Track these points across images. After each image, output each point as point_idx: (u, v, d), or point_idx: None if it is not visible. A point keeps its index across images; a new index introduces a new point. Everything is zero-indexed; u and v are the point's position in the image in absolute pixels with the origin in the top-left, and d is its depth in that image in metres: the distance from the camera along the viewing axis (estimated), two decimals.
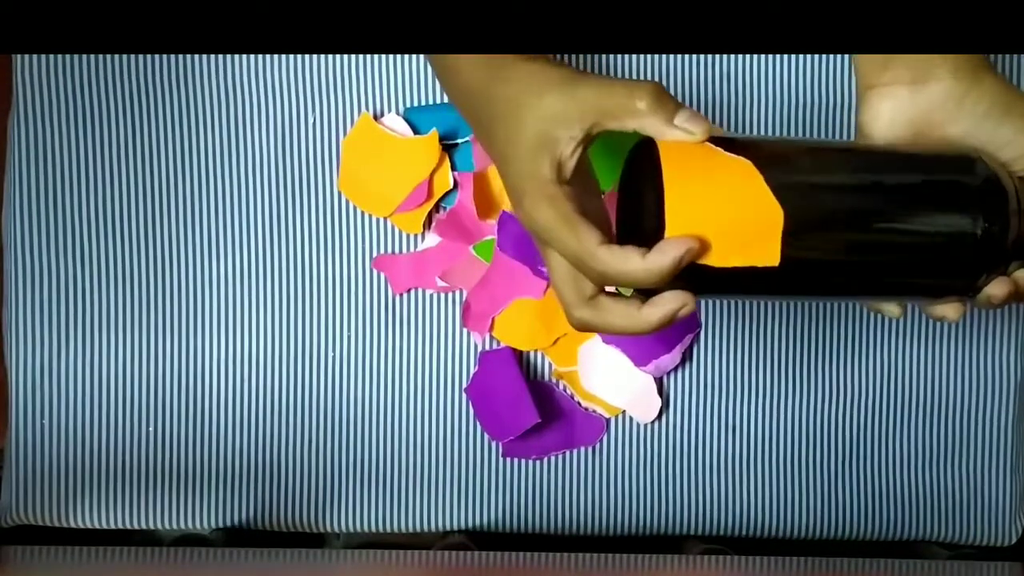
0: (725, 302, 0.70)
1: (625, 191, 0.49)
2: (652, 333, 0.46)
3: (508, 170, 0.47)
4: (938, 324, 0.71)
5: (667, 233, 0.43)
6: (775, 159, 0.45)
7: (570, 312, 0.47)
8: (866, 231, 0.45)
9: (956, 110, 0.47)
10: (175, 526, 0.71)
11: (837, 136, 0.70)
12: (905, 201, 0.45)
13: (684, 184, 0.43)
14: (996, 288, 0.47)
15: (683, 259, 0.42)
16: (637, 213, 0.47)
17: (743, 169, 0.43)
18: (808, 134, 0.70)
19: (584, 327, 0.47)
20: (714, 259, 0.43)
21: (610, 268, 0.44)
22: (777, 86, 0.69)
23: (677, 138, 0.44)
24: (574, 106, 0.44)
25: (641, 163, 0.46)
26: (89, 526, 0.70)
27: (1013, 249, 0.47)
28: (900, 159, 0.47)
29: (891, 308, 0.50)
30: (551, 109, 0.45)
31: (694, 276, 0.43)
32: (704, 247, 0.43)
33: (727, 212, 0.43)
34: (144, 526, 0.71)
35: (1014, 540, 0.72)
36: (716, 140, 0.44)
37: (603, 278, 0.45)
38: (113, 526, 0.70)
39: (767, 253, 0.43)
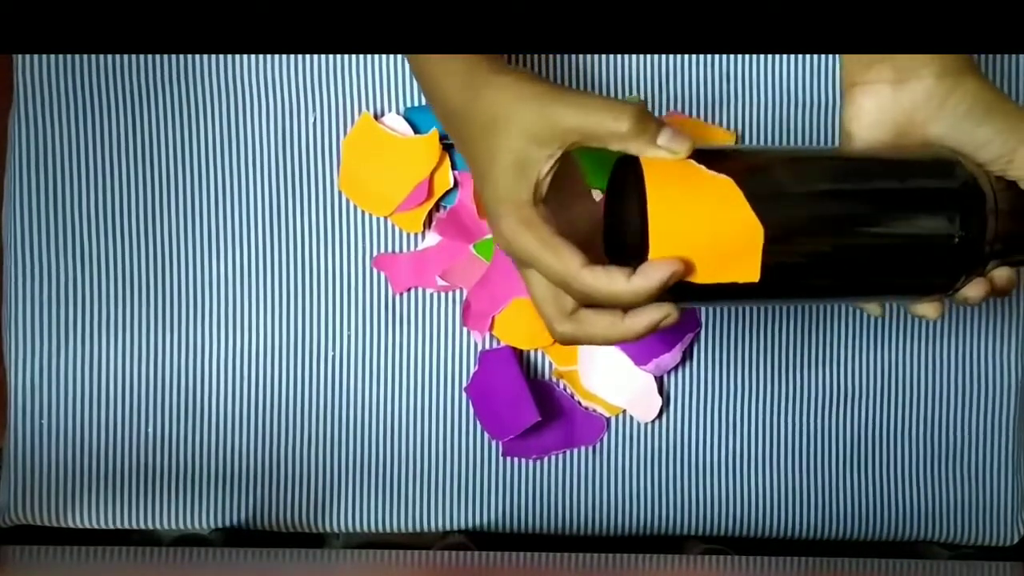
0: None
1: (609, 202, 0.49)
2: (636, 341, 0.46)
3: (485, 190, 0.46)
4: (939, 325, 0.71)
5: (651, 254, 0.44)
6: (755, 171, 0.45)
7: (552, 328, 0.47)
8: (846, 238, 0.46)
9: (938, 110, 0.47)
10: (174, 526, 0.70)
11: (831, 136, 0.70)
12: (885, 207, 0.46)
13: (668, 204, 0.44)
14: (972, 290, 0.48)
15: (668, 281, 0.43)
16: (621, 226, 0.48)
17: (725, 187, 0.44)
18: (802, 133, 0.70)
19: (568, 341, 0.47)
20: (696, 276, 0.44)
21: (594, 290, 0.44)
22: (772, 85, 0.69)
23: (660, 157, 0.44)
24: (553, 125, 0.44)
25: (625, 178, 0.47)
26: (88, 526, 0.70)
27: (991, 250, 0.47)
28: (879, 164, 0.48)
29: (871, 307, 0.51)
30: (528, 127, 0.44)
31: (676, 288, 0.44)
32: (688, 267, 0.44)
33: (709, 231, 0.44)
34: (143, 526, 0.70)
35: (1015, 540, 0.72)
36: (698, 154, 0.45)
37: (587, 299, 0.45)
38: (112, 526, 0.70)
39: (748, 270, 0.44)
